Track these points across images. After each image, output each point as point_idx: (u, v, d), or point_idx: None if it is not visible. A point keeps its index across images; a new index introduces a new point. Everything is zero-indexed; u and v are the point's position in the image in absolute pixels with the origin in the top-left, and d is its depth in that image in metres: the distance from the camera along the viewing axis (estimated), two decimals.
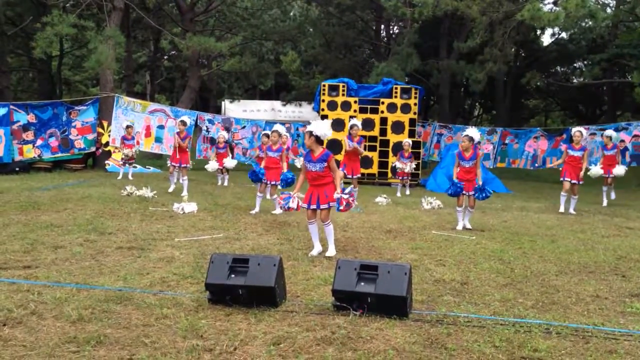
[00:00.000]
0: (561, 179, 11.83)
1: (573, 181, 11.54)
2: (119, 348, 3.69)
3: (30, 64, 30.26)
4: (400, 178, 15.50)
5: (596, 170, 12.89)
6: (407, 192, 15.31)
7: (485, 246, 7.60)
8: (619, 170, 13.27)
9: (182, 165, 12.62)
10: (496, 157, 22.13)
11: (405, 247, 7.36)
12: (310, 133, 6.75)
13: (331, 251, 6.84)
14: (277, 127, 10.64)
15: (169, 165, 13.32)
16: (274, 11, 27.74)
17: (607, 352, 3.85)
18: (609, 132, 14.35)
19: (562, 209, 11.62)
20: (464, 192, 9.11)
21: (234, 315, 4.40)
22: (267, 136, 10.95)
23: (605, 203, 13.38)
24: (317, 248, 6.91)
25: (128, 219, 8.96)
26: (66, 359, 3.50)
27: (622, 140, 19.06)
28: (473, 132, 9.13)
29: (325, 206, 6.79)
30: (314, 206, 6.80)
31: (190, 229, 8.24)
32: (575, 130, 11.94)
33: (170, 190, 12.76)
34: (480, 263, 6.53)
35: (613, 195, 14.16)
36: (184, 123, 12.78)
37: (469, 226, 9.29)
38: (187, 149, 12.78)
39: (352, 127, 11.66)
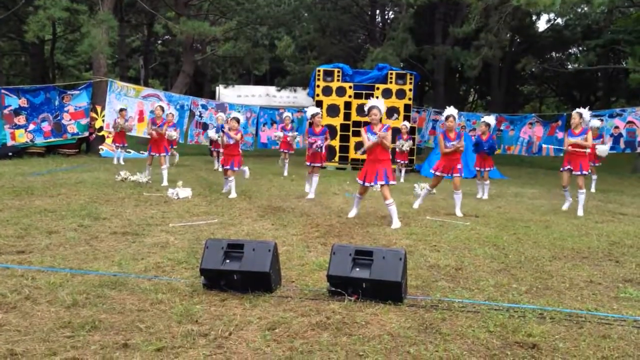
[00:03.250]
0: (560, 169, 10.06)
1: (575, 172, 9.64)
2: (113, 333, 3.69)
3: (22, 47, 30.01)
4: (397, 161, 15.32)
5: (603, 147, 12.08)
6: (402, 180, 15.20)
7: (479, 232, 7.62)
8: (603, 148, 12.27)
9: (162, 154, 11.76)
10: None
11: (400, 233, 7.37)
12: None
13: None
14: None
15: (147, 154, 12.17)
16: None
17: (600, 337, 3.87)
18: (596, 122, 14.02)
19: (565, 206, 10.06)
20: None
21: (228, 301, 4.40)
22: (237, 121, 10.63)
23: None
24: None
25: (122, 204, 8.93)
26: (61, 344, 3.49)
27: (617, 127, 19.10)
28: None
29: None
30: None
31: (184, 215, 8.23)
32: (573, 112, 9.91)
33: (143, 180, 11.64)
34: (475, 249, 6.55)
35: (593, 188, 13.49)
36: (162, 109, 12.06)
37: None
38: (166, 137, 12.05)
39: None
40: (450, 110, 9.36)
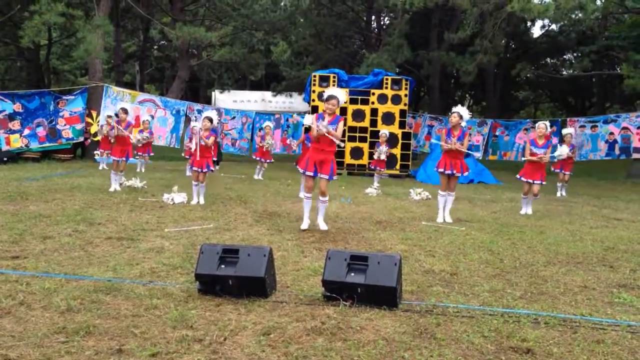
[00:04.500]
0: (518, 176, 10.48)
1: (535, 182, 10.09)
2: (108, 338, 3.68)
3: (18, 53, 29.96)
4: (374, 168, 15.08)
5: (562, 150, 11.99)
6: (375, 185, 14.90)
7: (474, 237, 7.63)
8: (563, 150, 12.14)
9: (122, 159, 11.31)
10: (487, 150, 22.23)
11: (395, 238, 7.37)
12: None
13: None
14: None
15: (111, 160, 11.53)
16: (264, 1, 27.55)
17: (594, 342, 3.88)
18: (569, 130, 14.14)
19: (523, 211, 10.34)
20: None
21: (223, 306, 4.39)
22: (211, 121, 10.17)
23: (559, 195, 13.72)
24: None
25: (117, 209, 8.91)
26: (55, 349, 3.48)
27: (612, 133, 19.18)
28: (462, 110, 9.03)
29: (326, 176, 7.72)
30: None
31: (180, 220, 8.22)
32: (538, 123, 10.37)
33: (138, 185, 11.59)
34: (470, 254, 6.56)
35: (564, 192, 13.96)
36: (125, 111, 11.63)
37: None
38: (131, 140, 11.71)
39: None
40: (457, 108, 9.10)
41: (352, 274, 4.46)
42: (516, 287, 5.23)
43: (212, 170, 10.33)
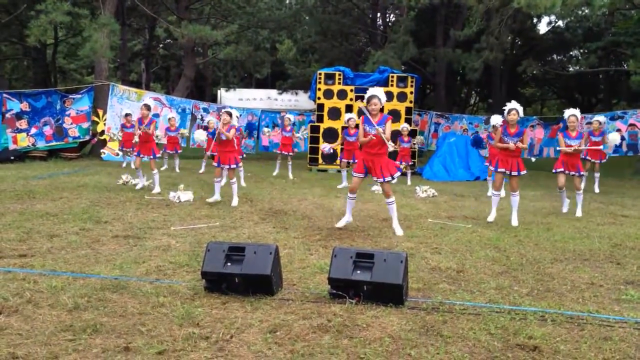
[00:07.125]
0: (554, 170, 9.86)
1: (572, 173, 9.62)
2: (115, 336, 3.69)
3: (24, 52, 30.08)
4: (402, 163, 14.94)
5: (613, 136, 11.71)
6: (409, 182, 14.93)
7: (480, 234, 7.62)
8: (614, 136, 11.84)
9: (150, 157, 11.05)
10: None
11: (401, 236, 7.36)
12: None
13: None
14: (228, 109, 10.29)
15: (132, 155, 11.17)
16: None
17: (601, 339, 3.87)
18: (600, 117, 13.98)
19: (564, 209, 10.05)
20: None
21: (230, 304, 4.40)
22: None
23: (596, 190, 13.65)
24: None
25: (124, 207, 8.94)
26: (62, 347, 3.50)
27: (619, 130, 19.07)
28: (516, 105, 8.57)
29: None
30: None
31: (186, 218, 8.23)
32: (569, 114, 9.50)
33: (139, 187, 11.39)
34: (476, 251, 6.55)
35: (597, 189, 13.73)
36: (147, 107, 11.11)
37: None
38: (154, 138, 11.33)
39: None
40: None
41: (358, 272, 4.46)
42: (523, 284, 5.22)
43: (238, 167, 10.00)
